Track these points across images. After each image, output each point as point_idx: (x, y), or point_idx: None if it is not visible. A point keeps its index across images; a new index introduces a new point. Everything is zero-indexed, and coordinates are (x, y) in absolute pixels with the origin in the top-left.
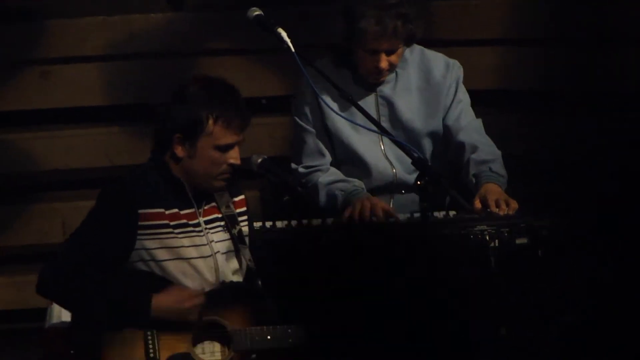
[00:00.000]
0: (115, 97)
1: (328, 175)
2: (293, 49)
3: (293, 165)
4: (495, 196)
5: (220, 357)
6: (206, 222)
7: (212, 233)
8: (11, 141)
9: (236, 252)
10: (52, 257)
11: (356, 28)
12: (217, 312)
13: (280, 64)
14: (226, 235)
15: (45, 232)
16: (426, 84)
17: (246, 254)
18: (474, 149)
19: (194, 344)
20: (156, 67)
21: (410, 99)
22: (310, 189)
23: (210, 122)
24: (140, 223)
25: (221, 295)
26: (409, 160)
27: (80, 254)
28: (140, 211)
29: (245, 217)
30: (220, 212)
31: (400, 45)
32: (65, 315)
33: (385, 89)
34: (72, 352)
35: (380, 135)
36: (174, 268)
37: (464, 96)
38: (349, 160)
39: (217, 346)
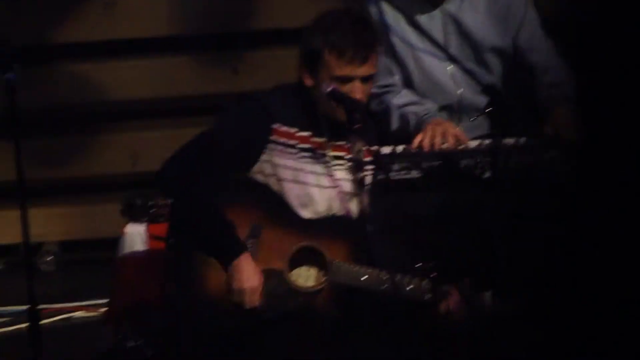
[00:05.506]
0: (180, 26)
1: (400, 97)
2: None
3: None
4: (566, 121)
5: (313, 283)
6: (333, 157)
7: (335, 169)
8: (77, 72)
9: (354, 195)
10: (177, 151)
11: None
12: (319, 240)
13: None
14: (348, 176)
15: (114, 162)
16: (494, 2)
17: (364, 199)
18: (546, 70)
19: (290, 265)
20: None
21: (477, 16)
22: (382, 112)
23: (326, 52)
24: (270, 138)
25: (327, 225)
26: (475, 81)
27: (206, 155)
28: (273, 126)
29: (371, 167)
30: (350, 153)
31: None
32: (138, 245)
33: (451, 7)
34: (170, 241)
35: (447, 55)
36: (289, 189)
37: (535, 16)
38: (414, 77)
39: (312, 272)
